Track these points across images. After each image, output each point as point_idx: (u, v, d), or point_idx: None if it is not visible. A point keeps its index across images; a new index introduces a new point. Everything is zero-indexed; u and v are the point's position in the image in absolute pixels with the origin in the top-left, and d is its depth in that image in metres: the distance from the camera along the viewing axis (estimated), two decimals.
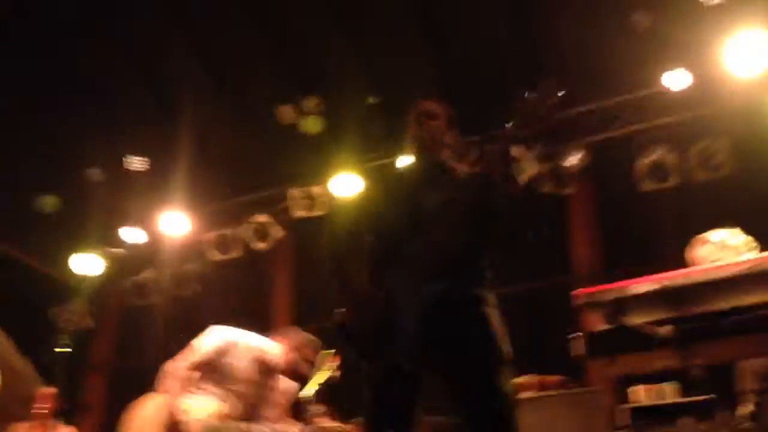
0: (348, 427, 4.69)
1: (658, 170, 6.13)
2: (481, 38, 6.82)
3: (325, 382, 4.54)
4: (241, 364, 4.12)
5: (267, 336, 4.35)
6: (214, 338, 4.19)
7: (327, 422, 4.59)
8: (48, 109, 7.39)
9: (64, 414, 5.84)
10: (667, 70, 5.97)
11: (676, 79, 5.96)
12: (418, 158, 2.88)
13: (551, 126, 6.87)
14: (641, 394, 4.62)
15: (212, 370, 4.10)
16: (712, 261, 3.46)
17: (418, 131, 2.83)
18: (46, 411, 5.62)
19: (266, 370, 4.17)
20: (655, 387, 4.59)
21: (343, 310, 2.61)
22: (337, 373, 4.35)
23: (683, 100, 6.13)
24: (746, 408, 3.19)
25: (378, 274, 2.63)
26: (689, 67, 5.90)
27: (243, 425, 4.06)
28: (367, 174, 7.04)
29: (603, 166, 6.83)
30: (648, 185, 6.20)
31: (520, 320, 6.76)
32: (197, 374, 4.12)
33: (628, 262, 6.29)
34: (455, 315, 2.49)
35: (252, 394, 4.13)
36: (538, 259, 6.85)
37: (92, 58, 7.52)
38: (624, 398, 4.78)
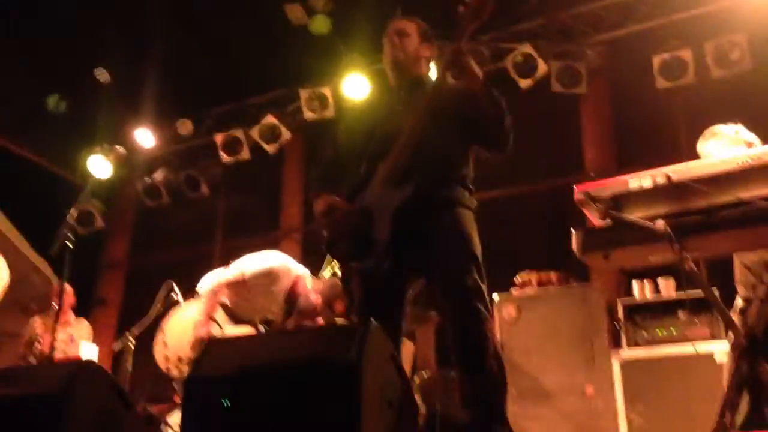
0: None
1: (674, 67, 5.96)
2: None
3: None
4: (275, 291, 4.20)
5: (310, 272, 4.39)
6: (257, 261, 4.23)
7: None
8: (55, 7, 7.25)
9: (79, 309, 6.05)
10: None
11: None
12: (394, 77, 2.94)
13: (564, 23, 6.68)
14: (639, 289, 4.66)
15: (247, 295, 4.19)
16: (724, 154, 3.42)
17: (393, 51, 2.89)
18: (63, 306, 5.81)
19: (293, 304, 4.22)
20: (652, 282, 4.61)
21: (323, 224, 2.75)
22: (338, 271, 4.44)
23: None
24: (739, 302, 3.22)
25: (353, 189, 2.76)
26: None
27: None
28: (377, 75, 6.94)
29: (618, 63, 6.67)
30: (663, 82, 6.05)
31: (537, 219, 6.84)
32: (234, 293, 4.19)
33: (642, 161, 6.22)
34: (423, 216, 2.59)
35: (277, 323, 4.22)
36: (554, 158, 6.81)
37: None
38: (624, 293, 4.83)
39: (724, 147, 3.51)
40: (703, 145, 3.62)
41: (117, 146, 6.91)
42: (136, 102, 7.87)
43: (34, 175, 8.11)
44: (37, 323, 5.56)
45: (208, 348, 2.12)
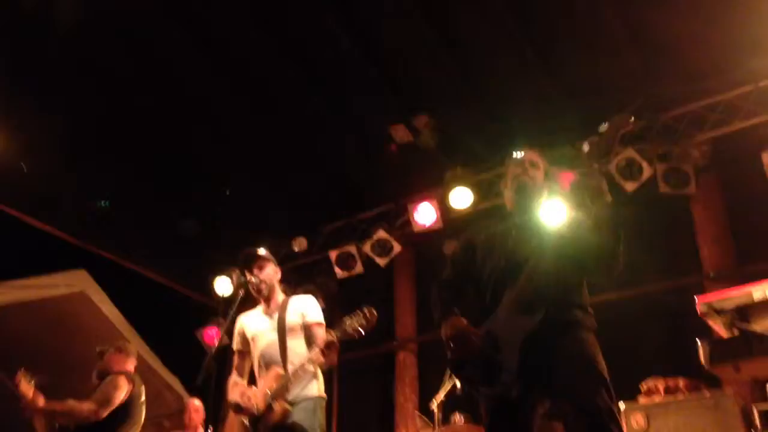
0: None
1: None
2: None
3: (449, 392, 4.75)
4: None
5: None
6: None
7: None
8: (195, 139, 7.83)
9: (209, 425, 6.30)
10: None
11: None
12: (515, 200, 3.12)
13: (666, 124, 6.70)
14: None
15: None
16: None
17: (522, 176, 3.09)
18: (194, 422, 6.12)
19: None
20: None
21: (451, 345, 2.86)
22: (459, 387, 4.53)
23: None
24: None
25: (479, 314, 2.90)
26: None
27: None
28: (479, 187, 7.19)
29: (726, 160, 6.61)
30: None
31: (655, 321, 6.67)
32: None
33: (760, 257, 6.06)
34: (550, 343, 2.68)
35: None
36: (669, 260, 6.70)
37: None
38: (759, 398, 4.58)
39: None
40: None
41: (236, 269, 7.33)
42: (256, 224, 8.30)
43: (166, 297, 8.62)
44: None
45: None
